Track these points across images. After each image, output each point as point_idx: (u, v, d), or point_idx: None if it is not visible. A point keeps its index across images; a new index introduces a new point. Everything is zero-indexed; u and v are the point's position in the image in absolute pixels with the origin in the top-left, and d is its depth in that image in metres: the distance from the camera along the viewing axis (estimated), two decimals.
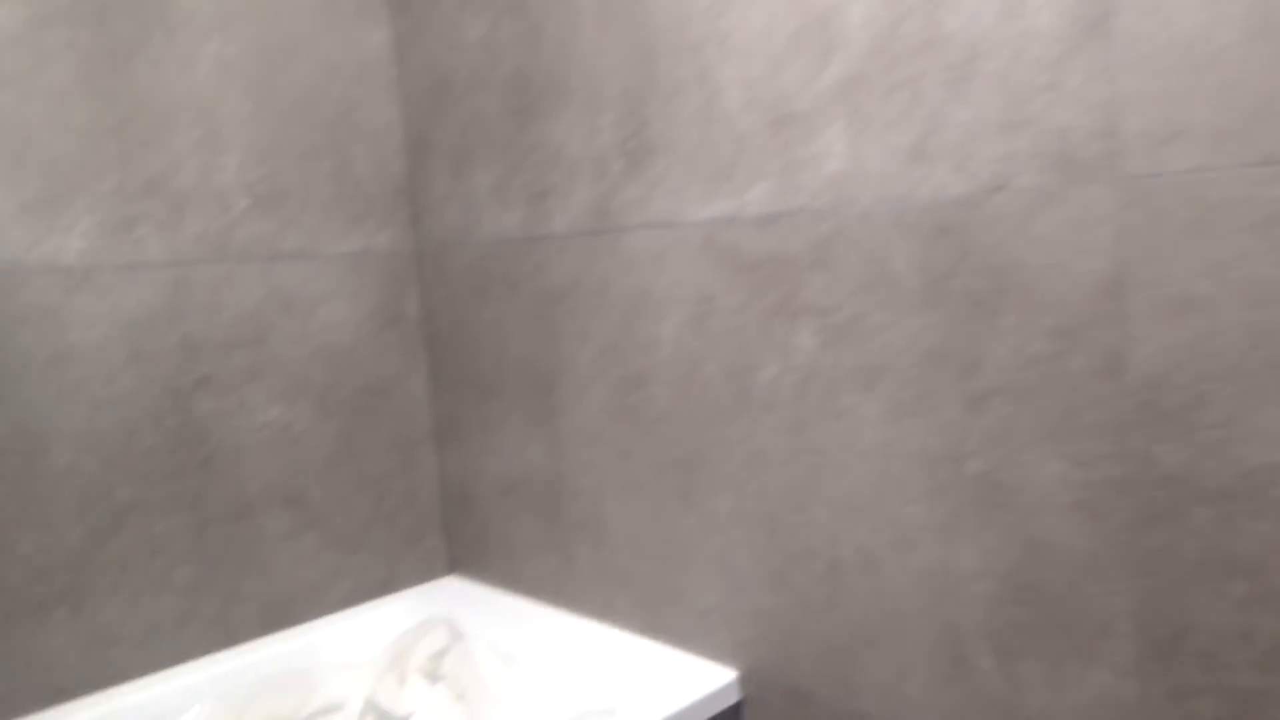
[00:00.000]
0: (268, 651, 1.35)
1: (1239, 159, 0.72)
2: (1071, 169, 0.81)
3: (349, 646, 1.39)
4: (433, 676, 1.29)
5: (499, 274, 1.40)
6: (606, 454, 1.27)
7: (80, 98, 1.20)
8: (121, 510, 1.24)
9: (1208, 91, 0.73)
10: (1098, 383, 0.81)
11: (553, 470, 1.36)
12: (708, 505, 1.15)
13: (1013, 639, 0.89)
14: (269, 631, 1.39)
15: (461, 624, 1.35)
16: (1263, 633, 0.75)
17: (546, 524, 1.39)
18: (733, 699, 1.13)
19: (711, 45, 1.06)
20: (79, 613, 1.21)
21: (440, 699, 1.26)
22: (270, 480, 1.38)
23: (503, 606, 1.43)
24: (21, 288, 1.17)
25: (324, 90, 1.43)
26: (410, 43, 1.49)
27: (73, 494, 1.21)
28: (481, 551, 1.54)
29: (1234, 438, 0.75)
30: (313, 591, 1.44)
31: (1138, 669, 0.82)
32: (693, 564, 1.19)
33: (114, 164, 1.23)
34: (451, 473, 1.56)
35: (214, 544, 1.33)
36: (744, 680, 1.14)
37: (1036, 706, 0.89)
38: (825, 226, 0.98)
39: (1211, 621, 0.77)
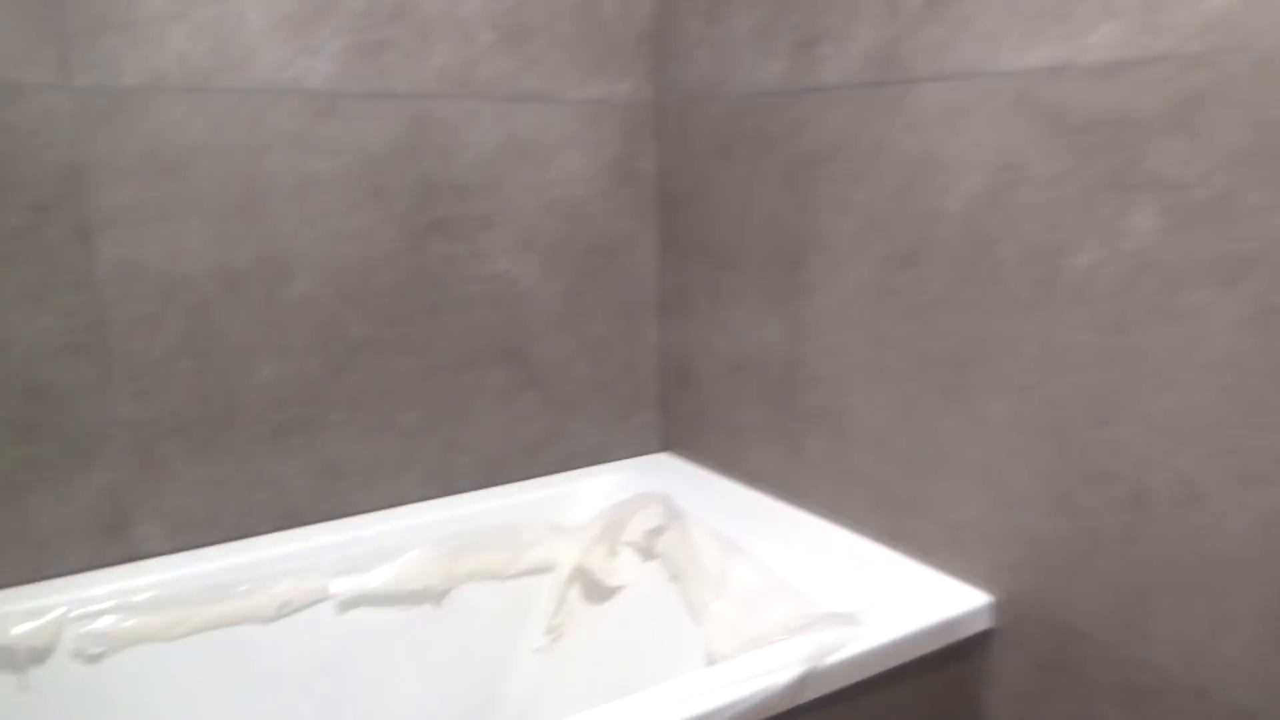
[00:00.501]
0: (482, 505, 1.33)
1: None
2: None
3: (560, 511, 1.36)
4: (646, 553, 1.23)
5: (749, 131, 1.26)
6: (858, 339, 1.14)
7: None
8: (355, 346, 1.23)
9: None
10: None
11: (791, 353, 1.24)
12: (979, 407, 1.01)
13: None
14: (484, 485, 1.38)
15: (677, 503, 1.28)
16: None
17: (776, 410, 1.28)
18: (983, 625, 1.01)
19: None
20: (311, 443, 1.22)
21: (654, 577, 1.21)
22: (495, 333, 1.34)
23: (720, 490, 1.35)
24: (271, 110, 1.14)
25: None
26: None
27: (310, 325, 1.20)
28: (698, 431, 1.45)
29: None
30: (528, 451, 1.40)
31: None
32: (950, 471, 1.05)
33: None
34: (673, 345, 1.48)
35: (438, 391, 1.31)
36: (999, 607, 1.01)
37: None
38: (1195, 78, 0.78)
39: None
